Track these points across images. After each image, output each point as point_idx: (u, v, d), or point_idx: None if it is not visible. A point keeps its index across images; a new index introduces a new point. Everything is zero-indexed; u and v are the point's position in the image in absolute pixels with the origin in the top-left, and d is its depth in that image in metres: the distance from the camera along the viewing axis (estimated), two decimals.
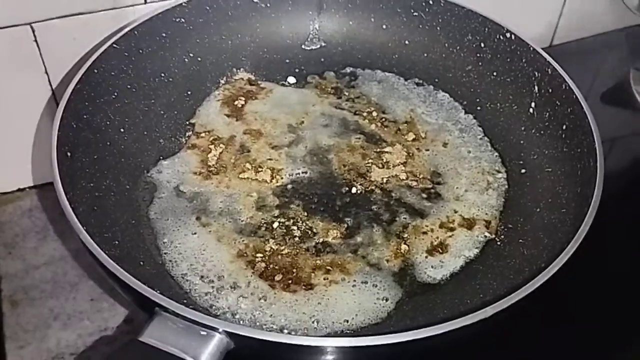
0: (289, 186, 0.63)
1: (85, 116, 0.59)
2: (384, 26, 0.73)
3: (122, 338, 0.60)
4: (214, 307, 0.53)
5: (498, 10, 0.78)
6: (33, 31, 0.63)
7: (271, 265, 0.56)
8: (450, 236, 0.58)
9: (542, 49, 0.88)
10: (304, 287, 0.54)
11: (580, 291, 0.59)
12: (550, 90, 0.63)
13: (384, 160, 0.65)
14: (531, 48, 0.65)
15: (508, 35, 0.67)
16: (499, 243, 0.58)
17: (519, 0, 0.83)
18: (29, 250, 0.67)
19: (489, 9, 0.75)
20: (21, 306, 0.62)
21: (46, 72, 0.66)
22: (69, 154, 0.55)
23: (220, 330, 0.42)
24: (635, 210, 0.68)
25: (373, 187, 0.63)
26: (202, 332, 0.42)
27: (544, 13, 0.88)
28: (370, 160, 0.65)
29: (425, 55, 0.72)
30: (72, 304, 0.62)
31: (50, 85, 0.67)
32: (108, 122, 0.62)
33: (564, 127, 0.61)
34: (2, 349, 0.60)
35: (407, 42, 0.73)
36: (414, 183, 0.63)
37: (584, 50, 0.89)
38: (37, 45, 0.64)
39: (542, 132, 0.64)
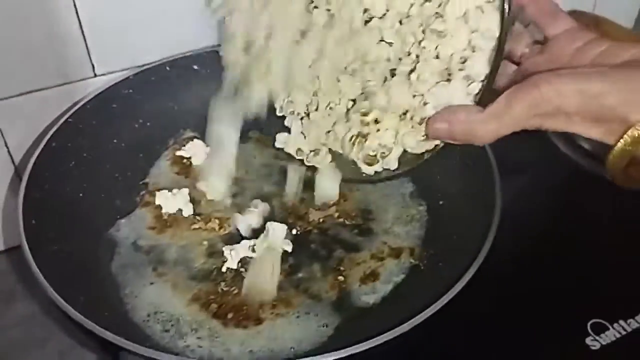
0: (236, 233, 0.68)
1: (46, 186, 0.63)
2: None
3: None
4: (174, 347, 0.57)
5: None
6: None
7: (223, 305, 0.61)
8: (380, 265, 0.65)
9: None
10: (253, 322, 0.60)
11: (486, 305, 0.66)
12: None
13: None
14: None
15: None
16: (422, 268, 0.64)
17: None
18: None
19: None
20: None
21: (6, 146, 0.70)
22: (33, 221, 0.58)
23: None
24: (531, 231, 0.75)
25: (311, 228, 0.69)
26: None
27: None
28: (306, 203, 0.71)
29: None
30: (43, 359, 0.66)
31: (11, 158, 0.71)
32: (68, 189, 0.65)
33: (471, 163, 0.67)
34: None
35: None
36: (347, 221, 0.69)
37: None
38: None
39: (453, 167, 0.69)
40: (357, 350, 0.48)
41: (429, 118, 0.52)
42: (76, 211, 0.65)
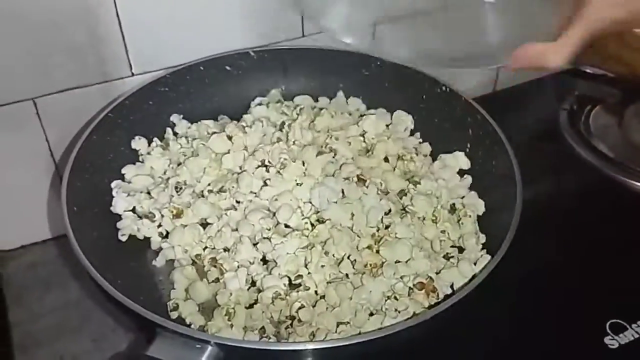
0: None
1: (86, 176, 0.65)
2: (341, 84, 0.81)
3: None
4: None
5: None
6: (35, 105, 0.70)
7: None
8: None
9: (487, 94, 0.99)
10: None
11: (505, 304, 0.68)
12: (481, 133, 0.71)
13: None
14: (463, 98, 0.73)
15: (444, 88, 0.75)
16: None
17: None
18: (34, 300, 0.72)
19: None
20: (31, 350, 0.67)
21: (47, 140, 0.72)
22: (75, 208, 0.61)
23: (212, 342, 0.49)
24: (557, 220, 0.77)
25: None
26: (197, 346, 0.49)
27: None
28: None
29: (377, 108, 0.80)
30: (77, 345, 0.67)
31: (51, 152, 0.73)
32: (106, 180, 0.69)
33: (493, 162, 0.69)
34: None
35: (361, 97, 0.81)
36: None
37: (522, 93, 0.98)
38: (39, 117, 0.70)
39: (477, 167, 0.73)
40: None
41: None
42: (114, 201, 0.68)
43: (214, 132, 0.74)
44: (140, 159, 0.73)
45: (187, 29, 0.75)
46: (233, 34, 0.78)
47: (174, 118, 0.77)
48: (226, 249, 0.64)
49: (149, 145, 0.74)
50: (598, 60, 0.93)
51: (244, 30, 0.78)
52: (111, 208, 0.68)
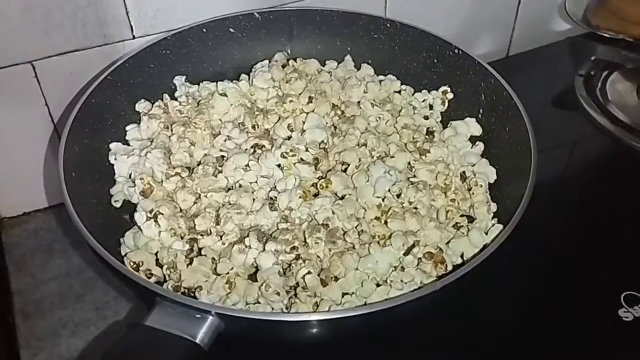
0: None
1: (85, 141, 0.64)
2: (349, 48, 0.79)
3: None
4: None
5: (462, 28, 0.85)
6: (34, 68, 0.69)
7: None
8: None
9: (500, 59, 0.97)
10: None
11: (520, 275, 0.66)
12: (494, 98, 0.69)
13: None
14: (476, 61, 0.71)
15: (456, 51, 0.73)
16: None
17: (478, 18, 0.91)
18: (36, 267, 0.72)
19: (457, 28, 0.80)
20: (33, 318, 0.67)
21: (46, 105, 0.71)
22: (73, 174, 0.59)
23: (213, 312, 0.48)
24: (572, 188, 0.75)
25: None
26: (197, 315, 0.48)
27: (499, 28, 0.95)
28: None
29: (387, 72, 0.78)
30: (79, 313, 0.68)
31: (51, 117, 0.72)
32: (105, 145, 0.67)
33: (507, 129, 0.67)
34: (17, 356, 0.64)
35: (370, 61, 0.78)
36: None
37: (536, 59, 0.96)
38: (38, 81, 0.69)
39: (489, 134, 0.70)
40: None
41: None
42: (114, 166, 0.67)
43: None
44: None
45: None
46: None
47: (177, 80, 0.75)
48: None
49: (152, 108, 0.72)
50: (616, 24, 0.90)
51: None
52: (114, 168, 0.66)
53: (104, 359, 0.46)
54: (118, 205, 0.64)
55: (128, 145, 0.69)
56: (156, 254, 0.59)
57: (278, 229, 0.60)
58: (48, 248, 0.74)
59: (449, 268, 0.58)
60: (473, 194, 0.65)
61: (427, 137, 0.71)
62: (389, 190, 0.63)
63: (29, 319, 0.67)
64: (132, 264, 0.56)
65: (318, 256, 0.58)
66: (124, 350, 0.47)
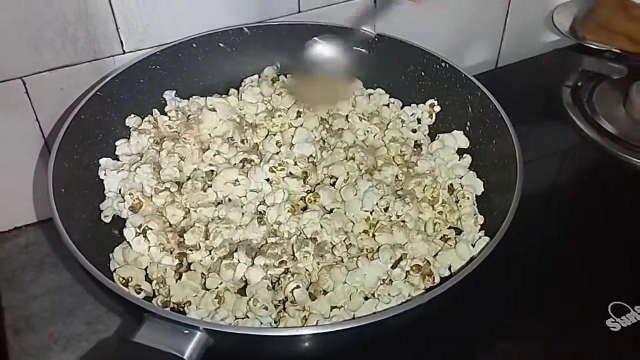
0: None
1: (75, 157, 0.64)
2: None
3: None
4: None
5: (451, 41, 0.85)
6: (24, 84, 0.68)
7: None
8: None
9: (489, 71, 0.98)
10: None
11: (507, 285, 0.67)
12: (481, 111, 0.70)
13: None
14: (463, 75, 0.71)
15: (444, 64, 0.73)
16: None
17: (467, 31, 0.92)
18: (27, 282, 0.71)
19: (446, 41, 0.81)
20: (24, 334, 0.66)
21: (37, 120, 0.71)
22: (63, 190, 0.59)
23: (201, 328, 0.48)
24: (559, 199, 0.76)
25: None
26: (185, 332, 0.48)
27: (488, 40, 0.96)
28: None
29: (375, 85, 0.78)
30: (70, 328, 0.67)
31: (42, 132, 0.72)
32: (95, 161, 0.67)
33: (494, 141, 0.67)
34: None
35: (359, 76, 0.78)
36: None
37: (525, 70, 0.97)
38: (29, 97, 0.69)
39: (477, 147, 0.71)
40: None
41: None
42: (104, 182, 0.67)
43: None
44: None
45: (179, 5, 0.73)
46: (227, 10, 0.76)
47: (167, 95, 0.75)
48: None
49: (142, 123, 0.72)
50: (603, 35, 0.91)
51: (239, 6, 0.76)
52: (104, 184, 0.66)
53: None
54: (108, 220, 0.64)
55: (118, 160, 0.69)
56: (146, 269, 0.60)
57: (267, 243, 0.61)
58: (39, 263, 0.74)
59: (437, 281, 0.59)
60: (461, 206, 0.65)
61: (415, 150, 0.71)
62: (377, 204, 0.63)
63: (19, 335, 0.67)
64: (121, 279, 0.57)
65: (307, 270, 0.58)
66: None
